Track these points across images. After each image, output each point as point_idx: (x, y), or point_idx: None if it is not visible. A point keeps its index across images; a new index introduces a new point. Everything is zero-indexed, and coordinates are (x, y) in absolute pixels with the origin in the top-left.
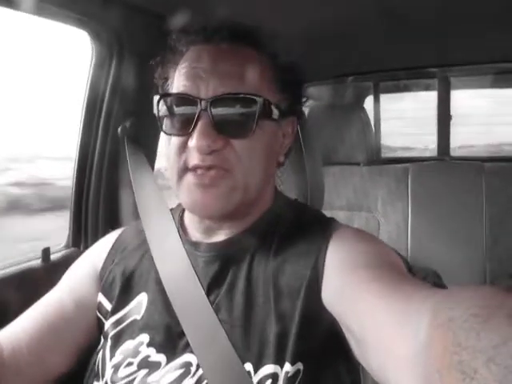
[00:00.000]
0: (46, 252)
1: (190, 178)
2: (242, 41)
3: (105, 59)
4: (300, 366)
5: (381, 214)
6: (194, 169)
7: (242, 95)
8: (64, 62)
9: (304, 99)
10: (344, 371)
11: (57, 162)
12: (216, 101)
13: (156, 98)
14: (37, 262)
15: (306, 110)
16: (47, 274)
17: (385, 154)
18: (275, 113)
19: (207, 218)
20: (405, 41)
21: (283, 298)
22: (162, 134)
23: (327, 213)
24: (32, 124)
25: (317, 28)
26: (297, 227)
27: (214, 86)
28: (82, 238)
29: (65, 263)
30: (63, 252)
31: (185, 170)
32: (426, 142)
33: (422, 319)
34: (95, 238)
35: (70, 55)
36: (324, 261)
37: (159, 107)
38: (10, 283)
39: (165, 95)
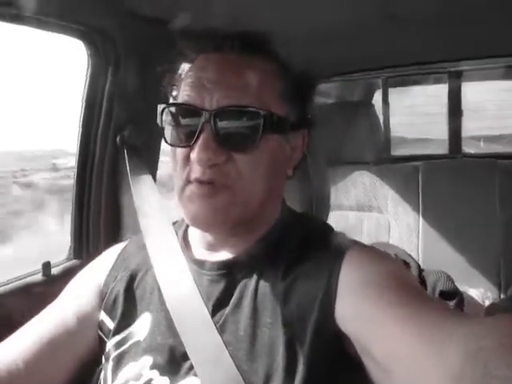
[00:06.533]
0: (47, 266)
1: (191, 188)
2: (253, 50)
3: (101, 67)
4: None
5: (391, 215)
6: (195, 181)
7: (245, 108)
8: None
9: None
10: None
11: None
12: (219, 113)
13: (160, 107)
14: (38, 277)
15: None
16: (49, 288)
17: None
18: (282, 126)
19: (207, 230)
20: (413, 35)
21: (293, 320)
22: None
23: (336, 214)
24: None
25: (323, 25)
26: (306, 244)
27: (218, 97)
28: (83, 249)
29: (67, 276)
30: (65, 265)
31: (187, 182)
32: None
33: (451, 349)
34: (97, 250)
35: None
36: (337, 281)
37: (163, 117)
38: (10, 299)
39: (169, 105)
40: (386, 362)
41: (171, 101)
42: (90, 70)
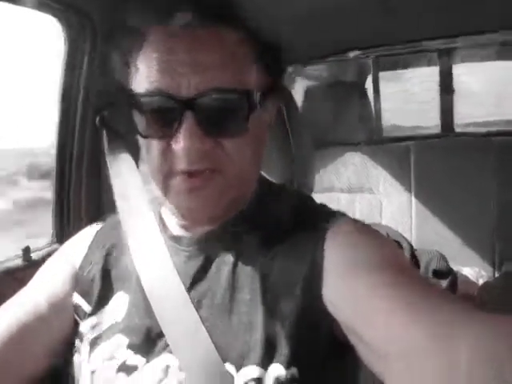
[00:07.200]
0: (27, 251)
1: (177, 181)
2: (219, 20)
3: (77, 45)
4: (294, 371)
5: (383, 195)
6: (182, 173)
7: (226, 90)
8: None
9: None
10: (344, 376)
11: None
12: (200, 98)
13: (126, 95)
14: (17, 262)
15: (303, 90)
16: (29, 273)
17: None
18: (262, 100)
19: (199, 224)
20: (403, 12)
21: (273, 296)
22: None
23: (327, 195)
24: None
25: (311, 4)
26: (288, 216)
27: (197, 81)
28: (65, 234)
29: None
30: (46, 250)
31: (171, 174)
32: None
33: (459, 345)
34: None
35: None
36: (323, 255)
37: (132, 106)
38: None
39: (138, 94)
40: (382, 348)
41: (132, 84)
42: (66, 47)
